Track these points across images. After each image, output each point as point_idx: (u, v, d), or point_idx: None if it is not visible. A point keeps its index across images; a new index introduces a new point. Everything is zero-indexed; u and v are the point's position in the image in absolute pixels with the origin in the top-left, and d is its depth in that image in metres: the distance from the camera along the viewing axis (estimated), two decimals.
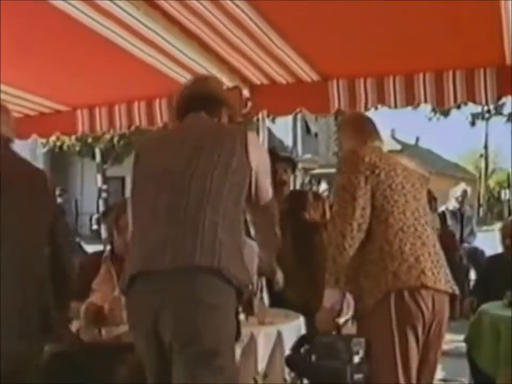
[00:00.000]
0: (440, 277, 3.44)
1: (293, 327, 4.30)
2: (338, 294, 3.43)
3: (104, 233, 4.83)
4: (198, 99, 3.51)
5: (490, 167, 57.65)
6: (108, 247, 4.70)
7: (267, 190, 3.40)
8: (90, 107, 6.99)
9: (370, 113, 5.51)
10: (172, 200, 3.16)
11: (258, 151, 3.33)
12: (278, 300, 4.55)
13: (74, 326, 4.47)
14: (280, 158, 5.63)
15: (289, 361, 3.56)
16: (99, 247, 6.27)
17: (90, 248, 7.37)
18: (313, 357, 3.39)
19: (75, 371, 4.15)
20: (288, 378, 4.14)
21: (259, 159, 3.30)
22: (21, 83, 6.09)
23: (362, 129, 3.85)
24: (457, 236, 10.04)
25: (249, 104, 6.20)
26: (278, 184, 4.89)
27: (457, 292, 3.55)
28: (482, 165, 54.13)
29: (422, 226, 3.53)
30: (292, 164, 5.92)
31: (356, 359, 3.30)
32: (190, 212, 3.10)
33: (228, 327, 3.09)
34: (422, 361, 3.46)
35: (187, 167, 3.20)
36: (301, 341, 3.55)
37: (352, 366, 3.29)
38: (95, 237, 22.40)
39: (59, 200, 24.63)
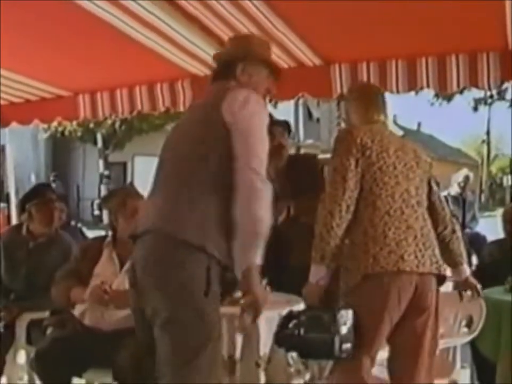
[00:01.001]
0: (424, 259, 3.53)
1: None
2: (323, 270, 3.53)
3: (106, 219, 4.84)
4: (216, 69, 3.54)
5: (493, 153, 57.57)
6: (110, 232, 4.69)
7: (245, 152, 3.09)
8: (92, 92, 6.97)
9: None
10: (164, 172, 3.29)
11: (235, 110, 3.11)
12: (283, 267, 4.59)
13: (77, 311, 4.48)
14: (275, 122, 5.62)
15: (278, 338, 3.61)
16: (100, 233, 6.28)
17: (91, 234, 7.38)
18: (301, 331, 3.46)
19: (76, 356, 4.16)
20: (292, 362, 4.15)
21: (236, 117, 3.11)
22: (22, 68, 6.08)
23: (370, 103, 3.91)
24: (459, 221, 10.04)
25: None
26: (276, 148, 4.93)
27: (444, 271, 3.68)
28: (485, 150, 54.03)
29: (411, 208, 3.61)
30: (287, 127, 5.94)
31: (344, 329, 3.40)
32: (168, 181, 3.23)
33: (187, 285, 3.06)
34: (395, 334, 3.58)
35: (179, 140, 3.31)
36: (288, 317, 3.59)
37: (340, 337, 3.38)
38: (97, 222, 22.48)
39: (52, 186, 24.75)
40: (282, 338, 3.58)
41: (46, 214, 5.41)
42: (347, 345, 3.40)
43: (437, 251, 3.63)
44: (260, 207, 2.98)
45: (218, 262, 3.10)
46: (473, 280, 4.01)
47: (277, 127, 5.56)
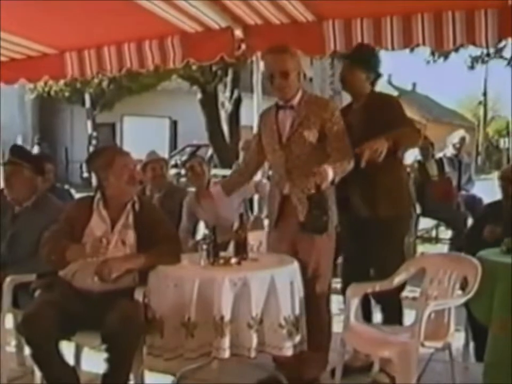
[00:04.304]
0: None
1: (287, 273, 4.30)
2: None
3: (94, 180, 4.81)
4: None
5: (489, 115, 57.48)
6: (99, 191, 4.65)
7: None
8: (79, 50, 6.90)
9: None
10: None
11: None
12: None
13: (66, 272, 4.46)
14: None
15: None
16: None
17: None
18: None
19: (65, 319, 4.15)
20: (283, 323, 4.16)
21: None
22: (6, 25, 6.00)
23: None
24: (455, 183, 10.03)
25: (243, 46, 6.14)
26: None
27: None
28: (481, 112, 53.97)
29: None
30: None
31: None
32: None
33: None
34: None
35: None
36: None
37: None
38: (86, 185, 22.38)
39: (36, 148, 24.59)
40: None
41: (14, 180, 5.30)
42: None
43: None
44: None
45: None
46: None
47: None
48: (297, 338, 4.30)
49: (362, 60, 4.91)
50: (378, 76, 4.95)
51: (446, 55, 14.79)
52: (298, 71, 4.67)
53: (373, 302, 5.10)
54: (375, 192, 4.81)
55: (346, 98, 5.22)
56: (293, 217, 4.62)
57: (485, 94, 53.38)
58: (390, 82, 53.30)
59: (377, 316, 5.16)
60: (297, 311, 4.30)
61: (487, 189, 9.54)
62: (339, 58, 5.23)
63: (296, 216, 4.58)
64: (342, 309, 4.84)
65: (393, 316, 4.92)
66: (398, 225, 4.96)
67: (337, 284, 5.17)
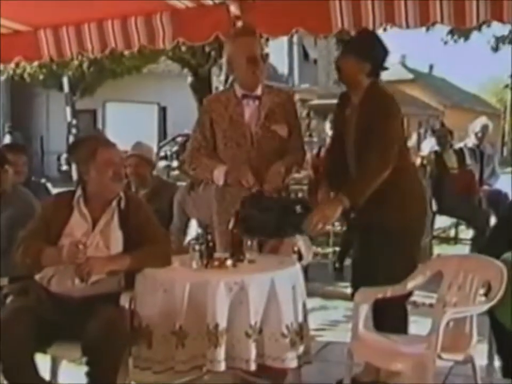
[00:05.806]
0: None
1: (288, 276, 4.31)
2: None
3: (75, 174, 4.77)
4: None
5: None
6: (80, 187, 4.63)
7: None
8: (56, 27, 6.87)
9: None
10: None
11: None
12: None
13: (42, 276, 4.46)
14: None
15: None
16: None
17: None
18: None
19: (41, 328, 4.15)
20: (286, 332, 4.17)
21: None
22: None
23: None
24: (477, 176, 10.02)
25: (239, 23, 6.13)
26: None
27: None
28: (508, 97, 53.76)
29: None
30: None
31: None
32: None
33: None
34: None
35: None
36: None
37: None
38: (65, 179, 22.37)
39: (7, 138, 24.52)
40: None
41: None
42: None
43: None
44: None
45: None
46: None
47: None
48: (301, 348, 4.31)
49: (354, 47, 4.87)
50: (379, 68, 4.89)
51: (466, 35, 14.69)
52: None
53: None
54: (376, 200, 4.74)
55: None
56: None
57: None
58: (403, 64, 53.14)
59: None
60: (300, 318, 4.31)
61: None
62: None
63: None
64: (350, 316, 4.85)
65: (395, 325, 4.87)
66: (403, 234, 4.92)
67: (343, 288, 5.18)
